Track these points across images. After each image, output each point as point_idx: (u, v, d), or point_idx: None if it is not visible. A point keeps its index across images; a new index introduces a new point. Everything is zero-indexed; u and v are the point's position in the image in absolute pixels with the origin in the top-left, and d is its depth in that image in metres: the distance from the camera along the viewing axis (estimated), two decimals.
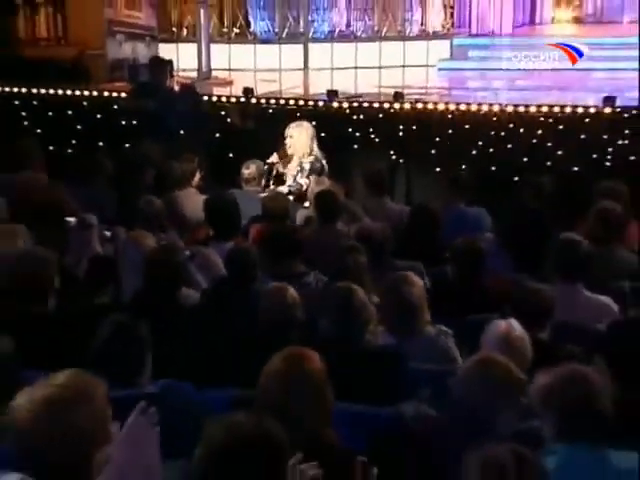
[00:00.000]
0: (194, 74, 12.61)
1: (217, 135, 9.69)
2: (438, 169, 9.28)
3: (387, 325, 4.34)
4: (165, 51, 13.35)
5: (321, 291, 4.38)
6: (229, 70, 13.50)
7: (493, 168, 9.15)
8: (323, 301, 4.04)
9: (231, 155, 9.07)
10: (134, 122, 10.07)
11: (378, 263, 5.02)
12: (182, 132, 8.60)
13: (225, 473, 2.23)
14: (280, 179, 7.46)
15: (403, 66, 13.88)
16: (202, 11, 12.74)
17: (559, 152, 9.00)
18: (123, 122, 10.26)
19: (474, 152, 9.23)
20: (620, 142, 8.82)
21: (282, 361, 2.94)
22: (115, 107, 10.49)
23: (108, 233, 5.74)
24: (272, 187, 7.31)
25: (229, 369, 3.73)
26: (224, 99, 10.29)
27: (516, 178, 9.05)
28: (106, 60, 12.40)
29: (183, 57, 13.26)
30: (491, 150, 9.24)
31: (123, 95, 10.58)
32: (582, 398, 2.78)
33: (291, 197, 7.17)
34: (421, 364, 4.06)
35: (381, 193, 7.04)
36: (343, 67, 13.78)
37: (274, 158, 7.54)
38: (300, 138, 7.48)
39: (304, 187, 7.29)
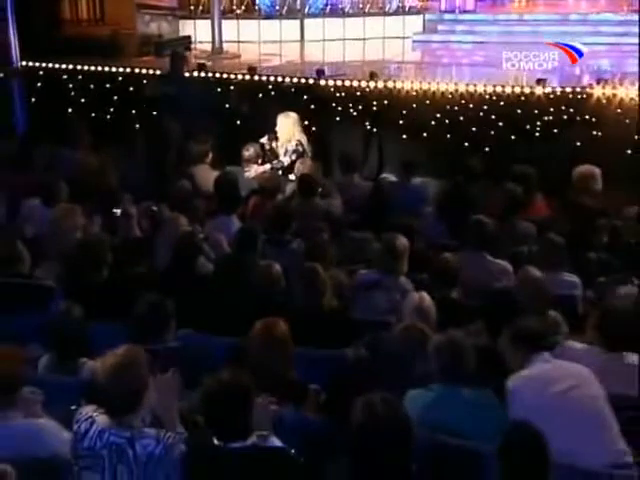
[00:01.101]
0: (209, 46, 12.86)
1: (224, 111, 9.98)
2: (404, 136, 9.72)
3: (376, 265, 5.12)
4: (184, 27, 13.70)
5: (295, 268, 5.01)
6: (238, 42, 13.53)
7: (448, 135, 9.64)
8: (296, 276, 4.78)
9: (238, 125, 9.53)
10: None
11: (338, 235, 5.83)
12: (195, 112, 8.93)
13: (212, 410, 3.08)
14: (271, 157, 7.96)
15: (383, 38, 13.90)
16: None
17: (500, 123, 9.48)
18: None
19: (433, 122, 9.62)
20: (546, 118, 9.32)
21: (261, 327, 3.79)
22: (144, 82, 11.01)
23: (155, 208, 6.29)
24: (257, 166, 7.82)
25: (232, 322, 4.40)
26: (232, 76, 10.56)
27: (466, 144, 9.77)
28: (136, 37, 12.56)
29: (199, 32, 13.45)
30: (447, 121, 9.64)
31: (150, 72, 10.96)
32: (454, 355, 3.66)
33: (280, 172, 7.74)
34: (367, 315, 4.87)
35: (352, 171, 7.54)
36: (333, 39, 13.87)
37: (265, 139, 8.06)
38: (286, 126, 7.99)
39: (285, 164, 7.83)
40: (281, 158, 7.86)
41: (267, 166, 7.79)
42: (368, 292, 4.86)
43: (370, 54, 13.46)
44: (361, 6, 14.29)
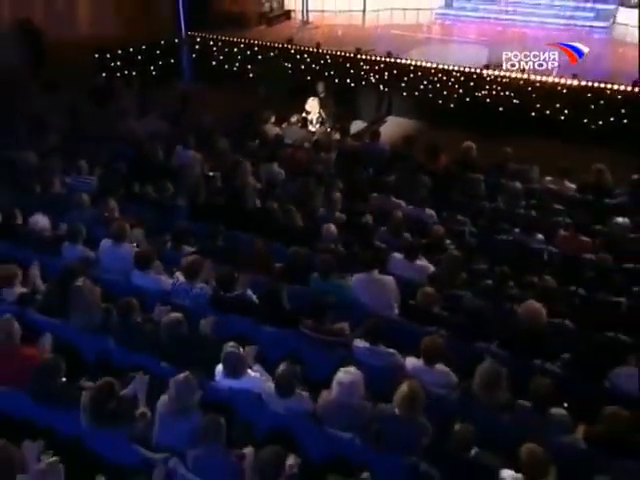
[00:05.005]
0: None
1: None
2: (404, 94, 11.12)
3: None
4: (288, 1, 14.42)
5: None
6: (322, 11, 14.34)
7: (430, 95, 10.90)
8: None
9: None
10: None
11: (323, 179, 7.41)
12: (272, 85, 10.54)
13: (220, 280, 5.24)
14: (306, 123, 9.35)
15: (418, 9, 14.31)
16: None
17: (460, 90, 10.65)
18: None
19: (421, 86, 10.95)
20: (479, 94, 10.40)
21: (255, 244, 5.94)
22: (255, 49, 12.56)
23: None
24: (299, 127, 9.16)
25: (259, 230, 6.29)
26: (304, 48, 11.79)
27: (440, 101, 10.98)
28: (255, 13, 13.72)
29: (296, 4, 14.26)
30: (430, 86, 10.88)
31: (262, 43, 12.25)
32: (325, 267, 5.47)
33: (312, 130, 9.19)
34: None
35: (346, 135, 8.74)
36: (385, 9, 14.38)
37: (305, 111, 9.37)
38: (314, 106, 9.33)
39: (314, 129, 9.25)
40: (315, 126, 9.19)
41: (312, 128, 9.15)
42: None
43: (409, 19, 14.22)
44: None
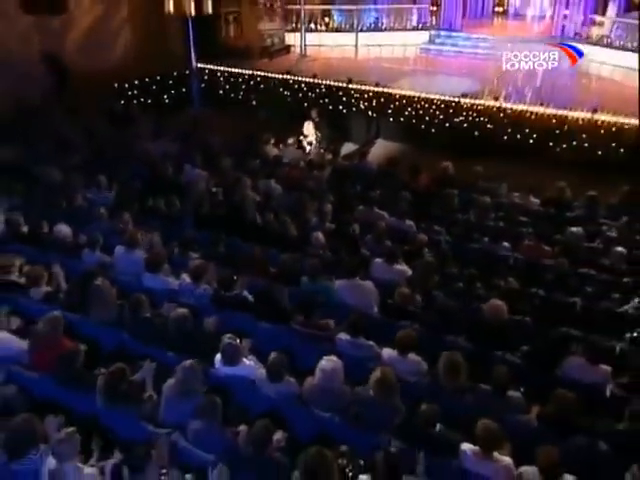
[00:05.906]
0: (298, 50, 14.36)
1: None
2: (391, 119, 11.33)
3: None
4: (288, 37, 14.85)
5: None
6: (319, 46, 14.65)
7: (413, 120, 11.21)
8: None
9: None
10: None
11: (314, 194, 7.57)
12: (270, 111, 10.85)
13: (220, 283, 5.42)
14: (301, 145, 9.60)
15: (405, 45, 14.62)
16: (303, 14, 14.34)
17: (441, 116, 10.84)
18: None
19: (406, 113, 11.16)
20: (457, 119, 10.54)
21: (255, 251, 6.04)
22: (258, 79, 12.71)
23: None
24: (295, 148, 9.34)
25: (258, 239, 6.46)
26: (301, 78, 12.01)
27: (422, 126, 11.08)
28: (258, 47, 14.06)
29: (295, 39, 14.68)
30: (413, 112, 11.12)
31: (263, 74, 12.54)
32: (313, 270, 5.80)
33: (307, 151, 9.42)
34: None
35: (337, 155, 9.07)
36: (375, 44, 14.71)
37: (302, 134, 9.61)
38: (309, 129, 9.58)
39: (308, 150, 9.49)
40: (311, 148, 9.42)
41: (300, 150, 9.44)
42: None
43: (396, 53, 14.60)
44: (392, 24, 15.17)
